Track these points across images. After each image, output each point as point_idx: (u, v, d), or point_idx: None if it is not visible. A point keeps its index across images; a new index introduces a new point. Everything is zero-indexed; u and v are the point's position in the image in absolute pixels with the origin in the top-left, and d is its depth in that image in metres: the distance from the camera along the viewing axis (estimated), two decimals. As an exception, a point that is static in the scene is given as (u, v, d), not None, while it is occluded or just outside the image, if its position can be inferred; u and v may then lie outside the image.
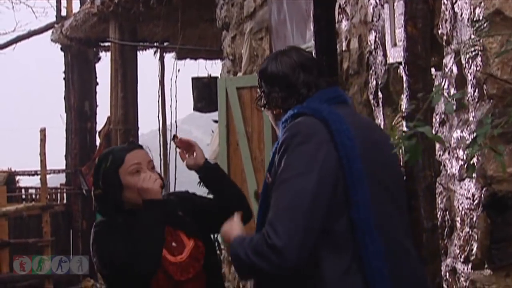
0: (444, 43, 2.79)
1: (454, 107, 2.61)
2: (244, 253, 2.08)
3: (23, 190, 13.52)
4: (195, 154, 2.80)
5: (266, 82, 2.33)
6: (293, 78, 2.28)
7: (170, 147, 10.36)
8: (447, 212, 2.77)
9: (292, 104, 2.26)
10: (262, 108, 2.39)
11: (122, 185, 2.60)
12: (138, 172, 2.61)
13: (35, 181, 13.48)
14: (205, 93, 9.72)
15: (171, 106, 10.28)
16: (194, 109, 10.10)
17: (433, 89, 2.23)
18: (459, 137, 2.65)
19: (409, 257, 2.18)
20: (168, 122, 10.74)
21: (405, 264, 2.15)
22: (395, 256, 2.11)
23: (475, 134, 2.20)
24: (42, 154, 11.56)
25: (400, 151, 2.16)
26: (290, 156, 2.08)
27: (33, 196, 13.22)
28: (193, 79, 9.94)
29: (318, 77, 2.32)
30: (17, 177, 13.58)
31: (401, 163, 2.40)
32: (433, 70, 2.68)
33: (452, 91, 2.67)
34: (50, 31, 13.00)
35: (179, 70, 10.08)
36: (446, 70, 2.73)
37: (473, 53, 2.49)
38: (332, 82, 2.41)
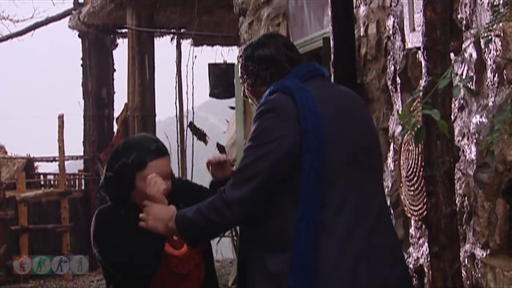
0: (463, 28, 2.77)
1: (462, 91, 2.59)
2: (198, 214, 2.35)
3: (41, 176, 13.62)
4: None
5: (254, 63, 2.53)
6: (279, 55, 2.52)
7: (187, 134, 10.39)
8: (466, 198, 2.75)
9: (278, 79, 2.48)
10: (249, 88, 2.58)
11: (135, 187, 2.60)
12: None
13: (53, 167, 13.58)
14: (221, 80, 9.72)
15: (187, 93, 10.29)
16: (210, 95, 10.11)
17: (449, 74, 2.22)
18: (478, 123, 2.63)
19: (375, 218, 2.34)
20: (185, 109, 10.76)
21: (372, 223, 2.32)
22: (363, 221, 2.30)
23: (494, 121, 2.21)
24: (60, 140, 11.64)
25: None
26: (259, 128, 2.34)
27: (52, 182, 13.32)
28: (210, 65, 9.94)
29: (299, 54, 2.57)
30: (36, 163, 13.68)
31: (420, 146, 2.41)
32: (452, 55, 2.66)
33: (472, 76, 2.65)
34: (67, 18, 13.02)
35: (195, 57, 10.09)
36: (466, 55, 2.71)
37: (493, 38, 2.47)
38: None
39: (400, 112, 3.44)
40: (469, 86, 2.56)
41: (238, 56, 2.69)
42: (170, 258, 2.59)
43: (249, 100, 2.70)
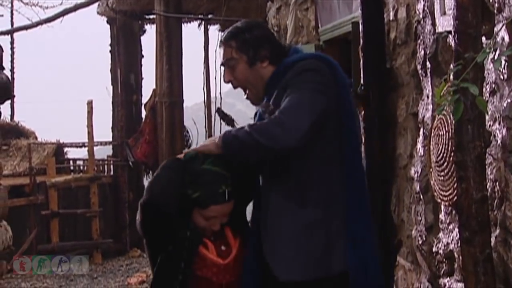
0: (495, 11, 2.73)
1: (505, 75, 2.56)
2: (246, 133, 2.48)
3: (71, 162, 13.77)
4: None
5: (254, 43, 2.75)
6: (273, 39, 2.83)
7: (214, 120, 10.41)
8: (497, 183, 2.73)
9: (279, 59, 2.73)
10: (246, 66, 2.78)
11: (191, 213, 2.61)
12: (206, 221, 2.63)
13: (82, 153, 13.71)
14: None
15: (215, 79, 10.31)
16: (237, 81, 10.11)
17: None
18: (510, 107, 2.60)
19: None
20: (212, 95, 10.78)
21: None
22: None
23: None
24: (89, 126, 11.75)
25: (444, 118, 2.17)
26: (307, 80, 2.59)
27: (81, 167, 13.45)
28: (238, 51, 9.93)
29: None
30: (65, 149, 13.83)
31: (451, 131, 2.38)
32: (483, 38, 2.63)
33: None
34: (96, 4, 13.09)
35: (223, 42, 10.06)
36: (498, 38, 2.67)
37: (527, 21, 2.44)
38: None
39: (432, 95, 3.41)
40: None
41: (224, 38, 2.92)
42: (211, 265, 2.61)
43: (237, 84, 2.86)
